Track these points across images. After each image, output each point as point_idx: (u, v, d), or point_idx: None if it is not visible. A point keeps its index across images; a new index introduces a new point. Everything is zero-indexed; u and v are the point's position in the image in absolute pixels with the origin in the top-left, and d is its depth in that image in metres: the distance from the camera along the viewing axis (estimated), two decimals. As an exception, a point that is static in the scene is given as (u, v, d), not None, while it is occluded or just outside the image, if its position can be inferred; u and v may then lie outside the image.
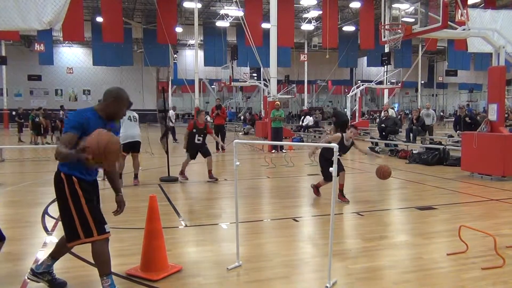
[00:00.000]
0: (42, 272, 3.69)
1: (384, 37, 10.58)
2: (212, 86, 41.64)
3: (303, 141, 20.03)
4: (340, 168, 7.21)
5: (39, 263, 3.78)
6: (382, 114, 18.48)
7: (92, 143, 3.06)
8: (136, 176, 8.86)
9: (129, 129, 8.29)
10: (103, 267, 3.41)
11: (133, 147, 8.52)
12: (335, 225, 4.30)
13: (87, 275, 4.02)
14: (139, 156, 9.02)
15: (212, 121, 17.20)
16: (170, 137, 17.53)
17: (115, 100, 3.46)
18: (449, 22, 9.39)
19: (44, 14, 9.90)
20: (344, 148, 7.23)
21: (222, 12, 32.20)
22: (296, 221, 6.01)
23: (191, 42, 36.55)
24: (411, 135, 15.47)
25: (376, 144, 15.82)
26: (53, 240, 5.11)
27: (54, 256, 3.74)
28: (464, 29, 9.96)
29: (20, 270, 4.13)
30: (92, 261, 4.20)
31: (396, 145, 15.23)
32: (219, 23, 33.21)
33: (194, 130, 9.17)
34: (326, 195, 7.55)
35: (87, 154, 3.04)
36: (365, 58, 40.87)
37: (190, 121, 9.10)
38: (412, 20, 10.52)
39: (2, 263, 4.28)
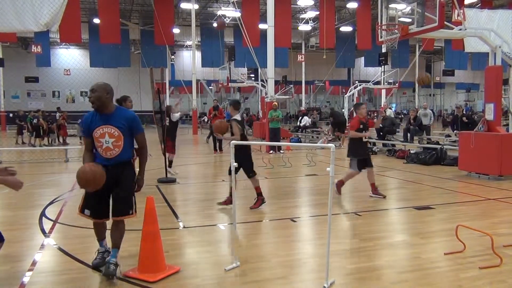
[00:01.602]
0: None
1: (381, 37, 10.60)
2: (210, 87, 41.63)
3: (300, 142, 20.05)
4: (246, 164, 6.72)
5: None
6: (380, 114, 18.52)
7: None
8: None
9: None
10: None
11: None
12: (332, 225, 4.31)
13: (84, 277, 4.02)
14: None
15: (209, 122, 17.19)
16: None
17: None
18: (445, 22, 9.41)
19: (41, 16, 9.89)
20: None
21: (219, 13, 32.19)
22: (294, 221, 6.02)
23: (189, 43, 36.57)
24: (408, 135, 15.50)
25: (374, 144, 15.84)
26: (50, 242, 5.10)
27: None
28: (460, 29, 9.98)
29: (18, 272, 4.13)
30: (86, 262, 4.24)
31: (393, 145, 15.26)
32: (217, 24, 33.21)
33: (361, 126, 7.53)
34: (324, 195, 7.56)
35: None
36: (363, 58, 40.92)
37: (354, 117, 7.67)
38: (408, 20, 10.55)
39: (0, 265, 4.27)
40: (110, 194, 3.96)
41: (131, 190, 4.06)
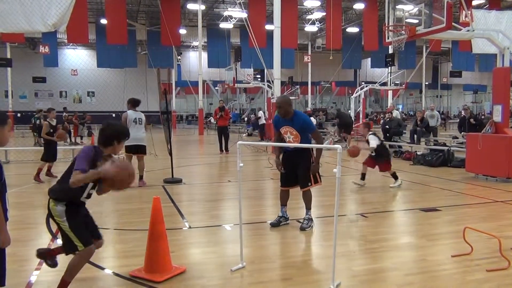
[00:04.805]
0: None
1: (388, 38, 10.57)
2: (216, 88, 41.69)
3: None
4: None
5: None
6: (386, 115, 18.45)
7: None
8: (141, 178, 8.88)
9: (134, 132, 8.32)
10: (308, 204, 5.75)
11: (138, 149, 8.61)
12: (338, 226, 4.29)
13: (90, 276, 4.04)
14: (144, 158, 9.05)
15: (215, 122, 17.17)
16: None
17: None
18: (453, 23, 9.37)
19: (48, 17, 9.95)
20: None
21: (225, 13, 32.27)
22: (300, 222, 5.99)
23: (195, 43, 36.67)
24: (415, 136, 15.43)
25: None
26: (57, 241, 5.12)
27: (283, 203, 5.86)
28: (468, 30, 9.94)
29: (25, 271, 4.15)
30: (93, 261, 4.25)
31: (400, 147, 15.19)
32: (223, 25, 33.27)
33: None
34: (330, 196, 7.54)
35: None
36: (369, 59, 40.77)
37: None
38: (416, 21, 10.51)
39: (7, 264, 4.29)
40: (292, 172, 5.58)
41: (307, 170, 5.50)
